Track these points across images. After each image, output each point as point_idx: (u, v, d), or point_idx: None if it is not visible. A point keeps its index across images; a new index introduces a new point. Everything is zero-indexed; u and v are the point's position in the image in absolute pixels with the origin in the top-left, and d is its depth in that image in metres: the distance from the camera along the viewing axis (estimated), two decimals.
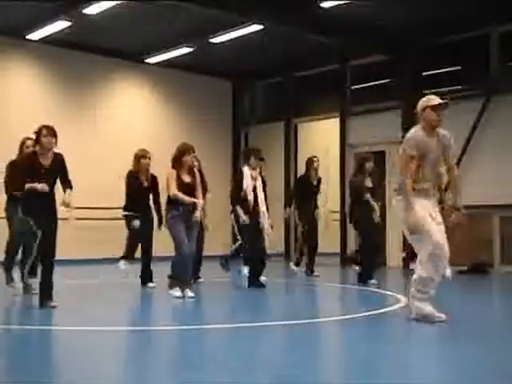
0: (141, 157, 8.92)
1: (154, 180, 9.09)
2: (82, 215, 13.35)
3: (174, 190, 7.62)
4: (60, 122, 13.65)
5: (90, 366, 4.25)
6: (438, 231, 5.61)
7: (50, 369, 4.32)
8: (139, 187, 8.95)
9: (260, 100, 17.37)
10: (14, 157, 8.17)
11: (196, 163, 8.76)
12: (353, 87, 14.71)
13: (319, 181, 10.98)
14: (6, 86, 13.65)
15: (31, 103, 13.68)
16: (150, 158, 8.97)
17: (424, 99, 5.78)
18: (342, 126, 14.69)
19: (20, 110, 13.20)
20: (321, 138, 16.73)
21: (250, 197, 8.76)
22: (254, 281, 8.87)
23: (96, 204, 13.41)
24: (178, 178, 7.70)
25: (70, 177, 6.86)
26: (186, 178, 7.77)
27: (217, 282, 9.66)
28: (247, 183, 8.77)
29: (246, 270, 9.25)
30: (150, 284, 8.95)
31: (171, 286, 7.85)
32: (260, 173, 9.08)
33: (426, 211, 5.65)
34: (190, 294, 7.71)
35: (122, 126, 15.03)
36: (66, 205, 6.71)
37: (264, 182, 9.23)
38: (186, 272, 7.78)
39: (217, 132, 16.76)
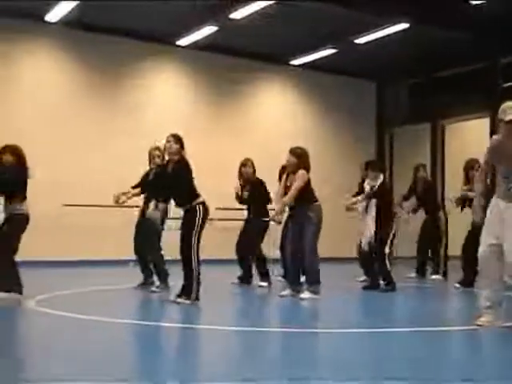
0: (241, 165, 9.02)
1: (260, 185, 9.05)
2: (225, 216, 13.66)
3: (279, 194, 7.92)
4: (207, 127, 14.31)
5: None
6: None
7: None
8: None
9: (405, 101, 16.94)
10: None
11: None
12: (503, 85, 14.01)
13: (425, 191, 10.46)
14: (154, 91, 14.23)
15: (175, 109, 14.22)
16: (250, 166, 9.00)
17: (502, 108, 5.49)
18: (493, 127, 14.03)
19: (162, 115, 13.80)
20: (470, 140, 16.09)
21: (361, 208, 8.77)
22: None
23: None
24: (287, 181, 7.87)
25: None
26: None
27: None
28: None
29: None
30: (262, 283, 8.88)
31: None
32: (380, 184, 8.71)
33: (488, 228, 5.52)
34: (302, 295, 7.60)
35: (268, 127, 15.30)
36: None
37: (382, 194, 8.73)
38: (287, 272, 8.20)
39: (360, 134, 16.57)
